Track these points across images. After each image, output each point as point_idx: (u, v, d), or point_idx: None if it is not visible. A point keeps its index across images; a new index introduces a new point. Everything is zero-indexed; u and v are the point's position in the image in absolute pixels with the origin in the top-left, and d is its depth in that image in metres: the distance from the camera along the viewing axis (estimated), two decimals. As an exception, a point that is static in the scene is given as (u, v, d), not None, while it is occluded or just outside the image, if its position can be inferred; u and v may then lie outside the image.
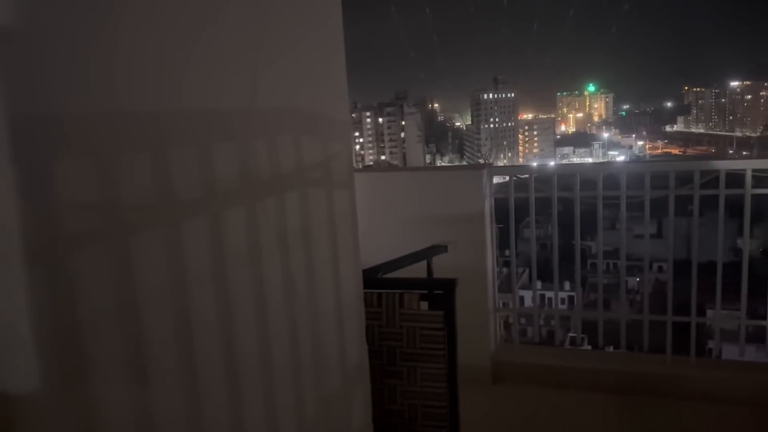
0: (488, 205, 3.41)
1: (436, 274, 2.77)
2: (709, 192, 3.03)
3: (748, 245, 3.02)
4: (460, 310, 2.06)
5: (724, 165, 3.02)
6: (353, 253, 1.54)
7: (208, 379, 1.00)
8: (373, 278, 2.21)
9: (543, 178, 3.45)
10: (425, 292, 2.08)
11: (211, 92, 1.01)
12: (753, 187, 2.96)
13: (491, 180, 3.45)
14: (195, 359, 0.97)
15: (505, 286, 4.02)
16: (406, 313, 2.09)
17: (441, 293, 2.05)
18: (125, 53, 0.83)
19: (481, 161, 47.72)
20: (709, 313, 3.34)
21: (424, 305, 2.08)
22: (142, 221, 0.86)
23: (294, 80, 1.27)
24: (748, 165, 2.97)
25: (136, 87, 0.85)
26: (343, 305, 1.48)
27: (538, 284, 3.57)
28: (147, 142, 0.87)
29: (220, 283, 1.02)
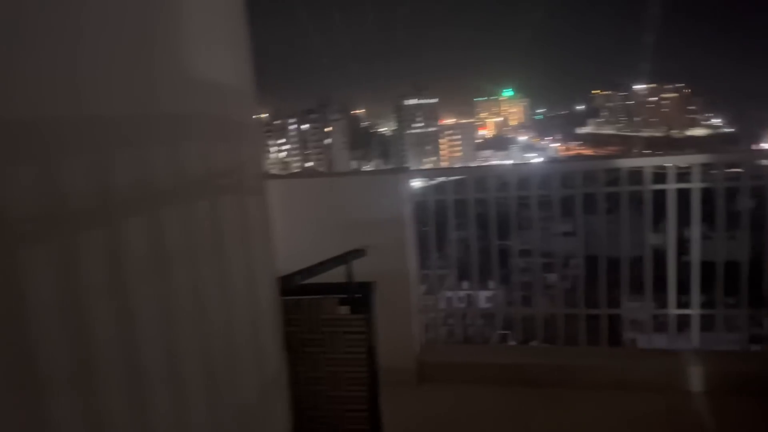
0: (408, 208, 3.45)
1: (360, 279, 2.77)
2: (612, 189, 3.21)
3: (649, 239, 3.20)
4: (383, 313, 2.07)
5: (625, 163, 3.19)
6: (268, 260, 1.52)
7: (112, 396, 0.96)
8: (291, 285, 2.19)
9: (462, 180, 3.54)
10: (345, 296, 2.09)
11: (105, 98, 0.97)
12: (653, 182, 3.15)
13: (410, 183, 3.50)
14: (96, 375, 0.93)
15: (433, 287, 4.08)
16: (327, 318, 2.08)
17: (360, 296, 2.06)
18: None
19: (405, 166, 48.25)
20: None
21: (346, 310, 2.09)
22: (31, 233, 0.82)
23: (196, 84, 1.24)
24: (646, 162, 3.17)
25: (19, 92, 0.80)
26: (257, 314, 1.45)
27: (464, 284, 3.66)
28: (33, 149, 0.83)
29: (120, 297, 0.98)
